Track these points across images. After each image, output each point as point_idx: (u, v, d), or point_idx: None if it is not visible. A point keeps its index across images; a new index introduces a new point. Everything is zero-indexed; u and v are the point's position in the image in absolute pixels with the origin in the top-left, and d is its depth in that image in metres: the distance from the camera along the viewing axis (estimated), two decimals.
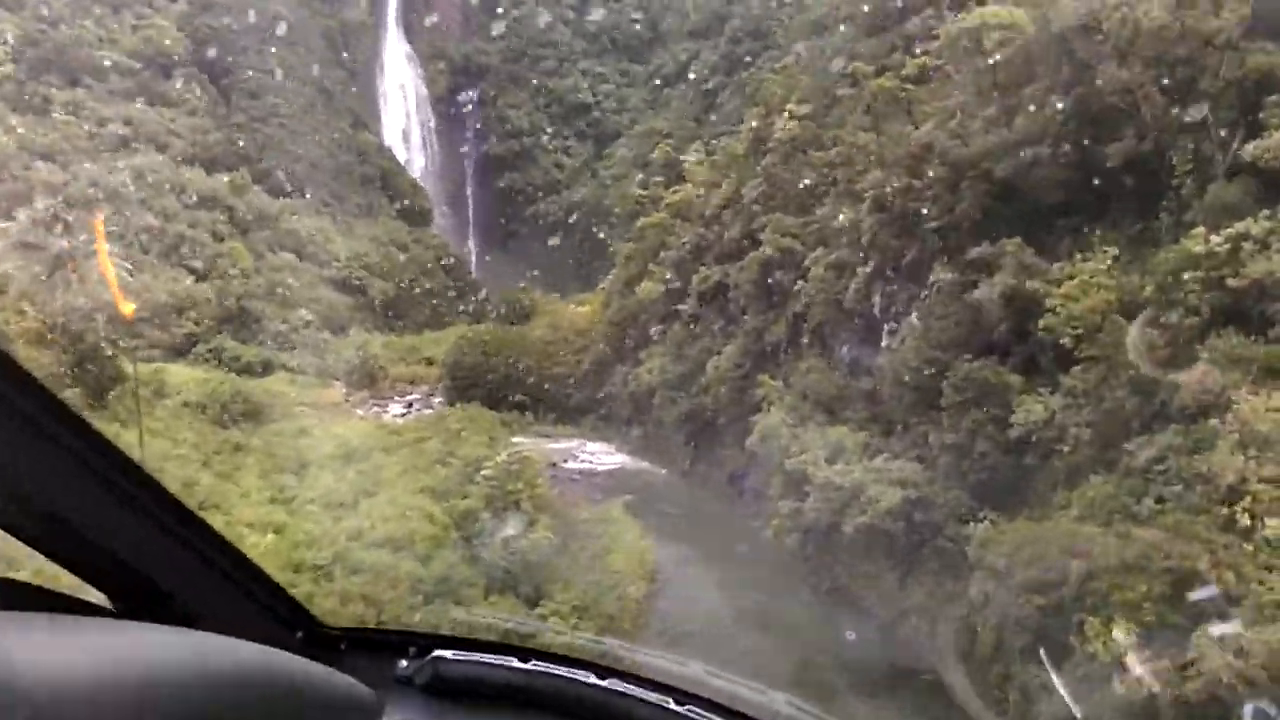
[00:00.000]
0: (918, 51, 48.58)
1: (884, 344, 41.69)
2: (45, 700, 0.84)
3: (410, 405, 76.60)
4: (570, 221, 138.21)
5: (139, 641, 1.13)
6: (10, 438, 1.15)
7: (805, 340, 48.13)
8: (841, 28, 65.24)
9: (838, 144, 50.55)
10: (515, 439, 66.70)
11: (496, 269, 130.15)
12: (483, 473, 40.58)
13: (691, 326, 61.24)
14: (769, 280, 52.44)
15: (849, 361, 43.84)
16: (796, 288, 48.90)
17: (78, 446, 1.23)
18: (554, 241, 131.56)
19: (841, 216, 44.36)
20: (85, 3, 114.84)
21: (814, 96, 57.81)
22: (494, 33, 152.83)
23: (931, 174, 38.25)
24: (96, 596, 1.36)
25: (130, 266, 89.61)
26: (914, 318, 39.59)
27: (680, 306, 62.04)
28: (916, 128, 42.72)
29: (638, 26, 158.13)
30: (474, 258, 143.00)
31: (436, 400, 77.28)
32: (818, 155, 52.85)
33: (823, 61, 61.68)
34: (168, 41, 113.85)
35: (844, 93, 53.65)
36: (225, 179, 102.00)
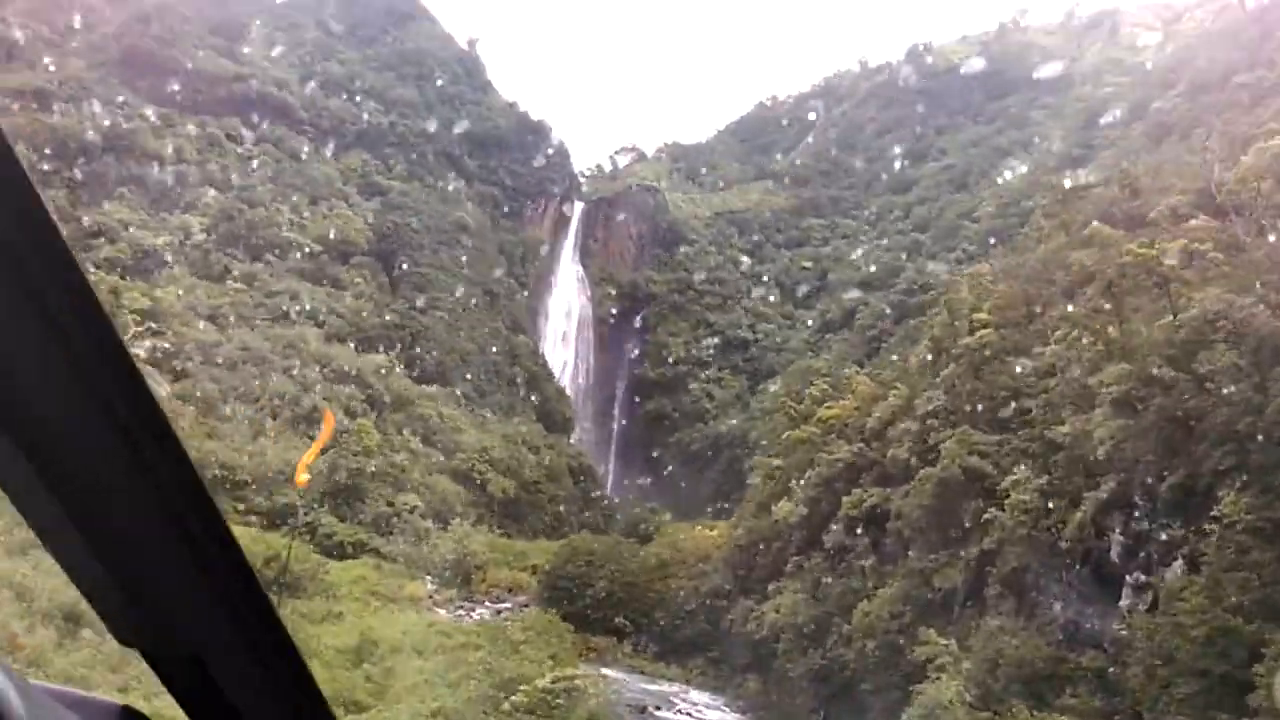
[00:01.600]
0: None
1: (1124, 602, 26.51)
2: None
3: (499, 613, 63.09)
4: (715, 452, 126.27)
5: None
6: (185, 567, 1.12)
7: (994, 589, 32.97)
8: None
9: (1049, 343, 36.92)
10: (604, 670, 51.95)
11: (632, 490, 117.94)
12: (512, 699, 26.57)
13: (836, 560, 46.46)
14: (946, 508, 37.89)
15: (1064, 624, 28.48)
16: (986, 517, 34.17)
17: (236, 590, 1.19)
18: (691, 467, 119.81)
19: (1067, 425, 30.05)
20: (286, 191, 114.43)
21: (1013, 303, 44.69)
22: (665, 264, 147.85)
23: (1218, 359, 24.28)
24: None
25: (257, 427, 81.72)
26: (1179, 567, 24.59)
27: (825, 535, 47.63)
28: (1175, 315, 28.98)
29: (806, 272, 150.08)
30: (611, 476, 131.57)
31: (529, 610, 63.62)
32: (1020, 363, 39.18)
33: (1018, 268, 48.84)
34: (353, 233, 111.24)
35: (1058, 284, 40.45)
36: (373, 359, 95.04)
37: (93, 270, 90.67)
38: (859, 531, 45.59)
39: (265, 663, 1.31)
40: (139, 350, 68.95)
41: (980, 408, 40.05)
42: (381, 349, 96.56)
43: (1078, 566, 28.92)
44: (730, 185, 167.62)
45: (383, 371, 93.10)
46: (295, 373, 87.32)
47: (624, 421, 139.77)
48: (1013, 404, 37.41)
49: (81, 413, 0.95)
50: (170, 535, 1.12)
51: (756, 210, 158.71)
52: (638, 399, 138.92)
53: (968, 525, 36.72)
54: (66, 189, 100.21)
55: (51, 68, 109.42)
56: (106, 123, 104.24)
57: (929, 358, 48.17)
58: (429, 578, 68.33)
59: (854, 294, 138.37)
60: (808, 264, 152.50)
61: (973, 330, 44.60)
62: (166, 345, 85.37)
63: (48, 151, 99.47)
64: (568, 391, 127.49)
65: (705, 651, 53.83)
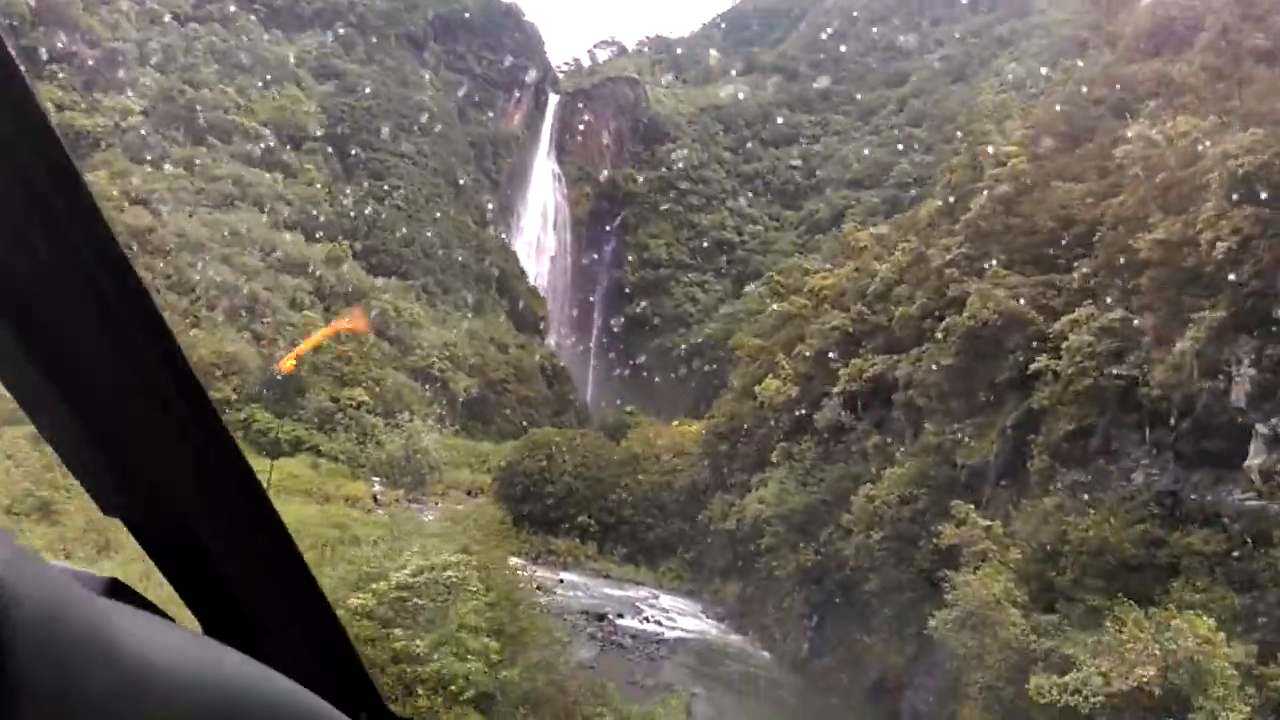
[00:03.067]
0: None
1: (1254, 461, 18.43)
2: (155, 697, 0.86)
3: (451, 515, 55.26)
4: (697, 357, 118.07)
5: (232, 665, 1.11)
6: (170, 438, 1.12)
7: (1041, 461, 24.76)
8: None
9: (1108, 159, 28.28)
10: (563, 574, 44.18)
11: (612, 396, 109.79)
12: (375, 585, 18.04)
13: (831, 442, 38.38)
14: (972, 368, 29.57)
15: (1156, 497, 20.38)
16: (1033, 369, 25.76)
17: (221, 464, 1.20)
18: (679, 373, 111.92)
19: (1160, 230, 21.27)
20: (233, 72, 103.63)
21: (1053, 126, 35.82)
22: (645, 162, 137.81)
23: None
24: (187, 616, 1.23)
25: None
26: None
27: (817, 415, 39.46)
28: None
29: (795, 173, 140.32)
30: (591, 385, 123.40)
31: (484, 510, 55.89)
32: (1071, 189, 30.46)
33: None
34: (304, 117, 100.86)
35: (1107, 103, 31.64)
36: (323, 248, 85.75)
37: None
38: (859, 408, 37.45)
39: (249, 531, 1.29)
40: None
41: (1016, 244, 31.47)
42: (334, 239, 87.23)
43: (1174, 419, 20.73)
44: (716, 79, 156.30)
45: (334, 261, 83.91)
46: (236, 261, 78.11)
47: (603, 326, 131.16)
48: (1064, 235, 28.85)
49: (65, 286, 0.96)
50: (154, 405, 1.11)
51: (743, 105, 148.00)
52: (618, 303, 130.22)
53: (1001, 385, 28.49)
54: None
55: None
56: None
57: (947, 201, 39.41)
58: (375, 479, 60.31)
59: (845, 192, 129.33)
60: (796, 162, 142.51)
61: (1001, 164, 35.91)
62: None
63: None
64: (546, 300, 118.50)
65: (679, 552, 46.10)
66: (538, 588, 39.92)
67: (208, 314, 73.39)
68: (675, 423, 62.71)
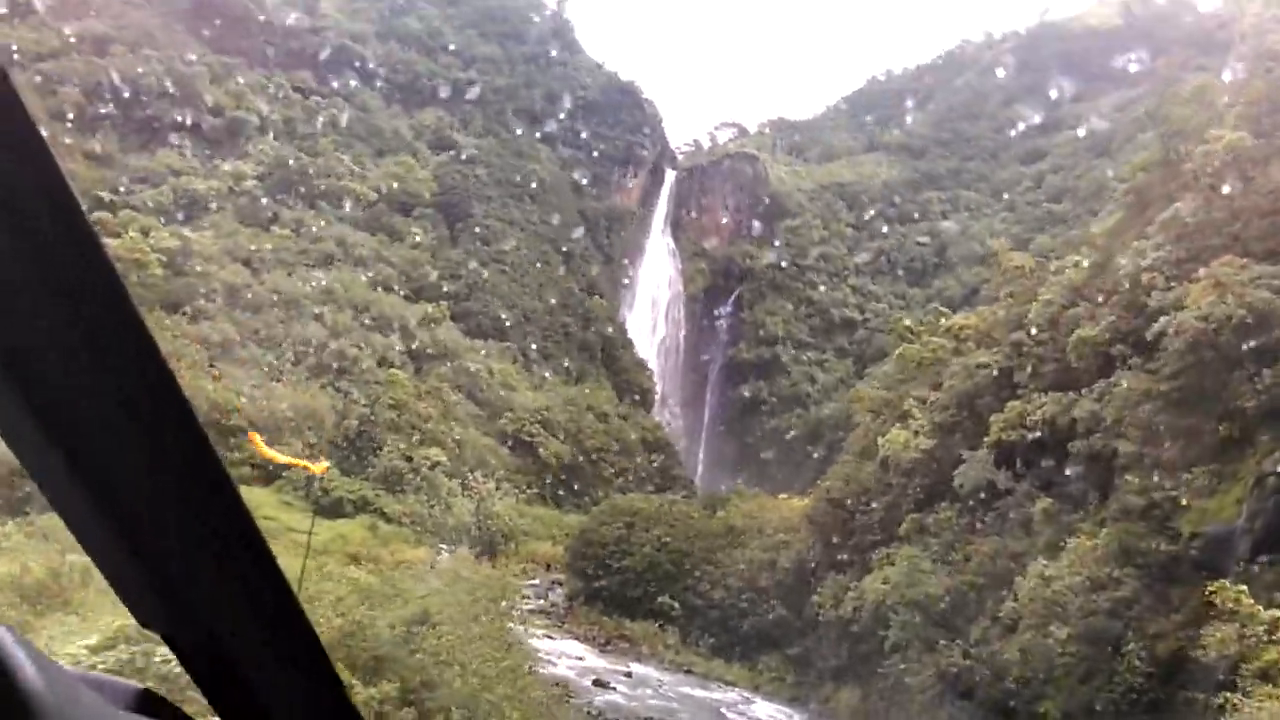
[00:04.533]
0: None
1: None
2: None
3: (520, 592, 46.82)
4: (814, 440, 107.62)
5: None
6: (205, 553, 1.14)
7: None
8: None
9: None
10: (633, 665, 34.91)
11: (722, 477, 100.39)
12: None
13: (980, 508, 28.56)
14: (1200, 392, 19.82)
15: None
16: None
17: (255, 576, 1.21)
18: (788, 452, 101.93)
19: None
20: (351, 142, 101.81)
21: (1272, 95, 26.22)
22: (764, 239, 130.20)
23: None
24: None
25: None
26: None
27: (959, 474, 29.72)
28: None
29: (922, 248, 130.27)
30: (700, 465, 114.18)
31: (555, 591, 47.11)
32: None
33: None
34: (416, 184, 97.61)
35: None
36: (420, 309, 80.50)
37: (131, 212, 79.23)
38: (1017, 464, 27.63)
39: (282, 645, 1.29)
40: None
41: (1252, 231, 21.81)
42: (434, 301, 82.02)
43: None
44: (838, 158, 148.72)
45: (429, 322, 78.33)
46: (328, 319, 73.30)
47: (716, 406, 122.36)
48: None
49: (111, 415, 0.96)
50: (189, 519, 1.12)
51: (867, 182, 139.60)
52: (732, 382, 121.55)
53: (1249, 414, 18.72)
54: (118, 134, 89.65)
55: (115, 12, 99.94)
56: (162, 69, 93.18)
57: (1130, 204, 29.79)
58: (442, 545, 52.52)
59: (977, 269, 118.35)
60: (924, 239, 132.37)
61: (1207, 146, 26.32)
62: (189, 284, 72.99)
63: (105, 96, 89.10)
64: (654, 372, 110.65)
65: (780, 646, 36.18)
66: (596, 682, 30.98)
67: (292, 369, 68.29)
68: (784, 496, 53.07)
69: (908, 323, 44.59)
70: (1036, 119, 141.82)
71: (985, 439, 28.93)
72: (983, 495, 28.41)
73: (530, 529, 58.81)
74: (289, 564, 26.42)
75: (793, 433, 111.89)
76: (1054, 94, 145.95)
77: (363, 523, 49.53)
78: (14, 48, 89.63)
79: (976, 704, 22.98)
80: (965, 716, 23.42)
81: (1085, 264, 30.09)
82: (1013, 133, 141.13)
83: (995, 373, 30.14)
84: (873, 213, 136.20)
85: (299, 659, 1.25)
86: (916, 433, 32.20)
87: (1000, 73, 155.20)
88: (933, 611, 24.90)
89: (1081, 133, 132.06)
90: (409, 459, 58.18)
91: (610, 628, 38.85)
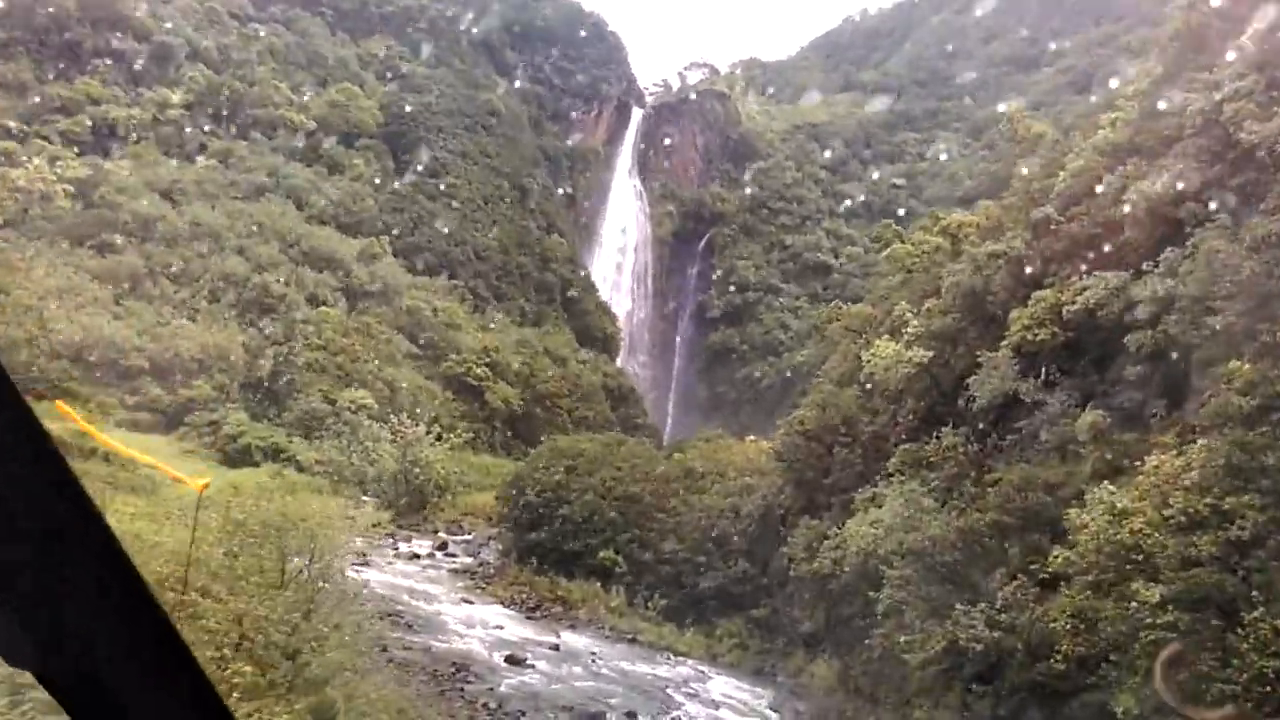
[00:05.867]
0: None
1: None
2: None
3: (443, 548, 39.62)
4: (788, 388, 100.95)
5: None
6: (77, 591, 1.11)
7: None
8: None
9: None
10: (565, 634, 27.99)
11: (692, 428, 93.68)
12: None
13: (996, 429, 21.73)
14: None
15: None
16: None
17: (126, 601, 1.17)
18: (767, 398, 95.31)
19: None
20: (290, 70, 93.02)
21: None
22: (734, 181, 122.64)
23: None
24: None
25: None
26: None
27: (965, 391, 22.84)
28: None
29: (898, 190, 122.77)
30: (670, 417, 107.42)
31: (490, 547, 40.07)
32: None
33: None
34: (360, 113, 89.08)
35: None
36: (357, 244, 72.67)
37: (41, 142, 70.68)
38: (1046, 371, 20.77)
39: (162, 679, 1.25)
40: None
41: None
42: (374, 234, 74.14)
43: None
44: (811, 99, 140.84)
45: (368, 257, 70.55)
46: (252, 253, 65.45)
47: (685, 354, 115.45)
48: None
49: None
50: (51, 550, 1.10)
51: (841, 122, 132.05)
52: (702, 329, 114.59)
53: None
54: (32, 60, 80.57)
55: None
56: None
57: (1174, 51, 22.69)
58: (366, 498, 45.34)
59: (956, 211, 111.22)
60: (900, 180, 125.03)
61: None
62: (98, 215, 64.90)
63: (19, 21, 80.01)
64: (618, 316, 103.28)
65: (743, 607, 29.34)
66: (510, 659, 24.00)
67: (209, 306, 60.57)
68: (750, 439, 46.23)
69: (896, 228, 37.57)
70: (1015, 54, 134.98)
71: (1002, 343, 21.99)
72: (1001, 413, 21.53)
73: (472, 479, 51.73)
74: (173, 531, 19.12)
75: (765, 381, 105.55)
76: (1029, 32, 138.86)
77: (268, 471, 42.21)
78: None
79: (1005, 689, 16.21)
80: (986, 707, 16.72)
81: (1123, 120, 23.11)
82: (990, 82, 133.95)
83: (1011, 263, 23.08)
84: (847, 153, 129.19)
85: (177, 683, 1.19)
86: (909, 344, 25.22)
87: (978, 10, 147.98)
88: (939, 563, 18.06)
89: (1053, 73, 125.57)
90: (331, 402, 50.88)
91: (543, 589, 31.89)
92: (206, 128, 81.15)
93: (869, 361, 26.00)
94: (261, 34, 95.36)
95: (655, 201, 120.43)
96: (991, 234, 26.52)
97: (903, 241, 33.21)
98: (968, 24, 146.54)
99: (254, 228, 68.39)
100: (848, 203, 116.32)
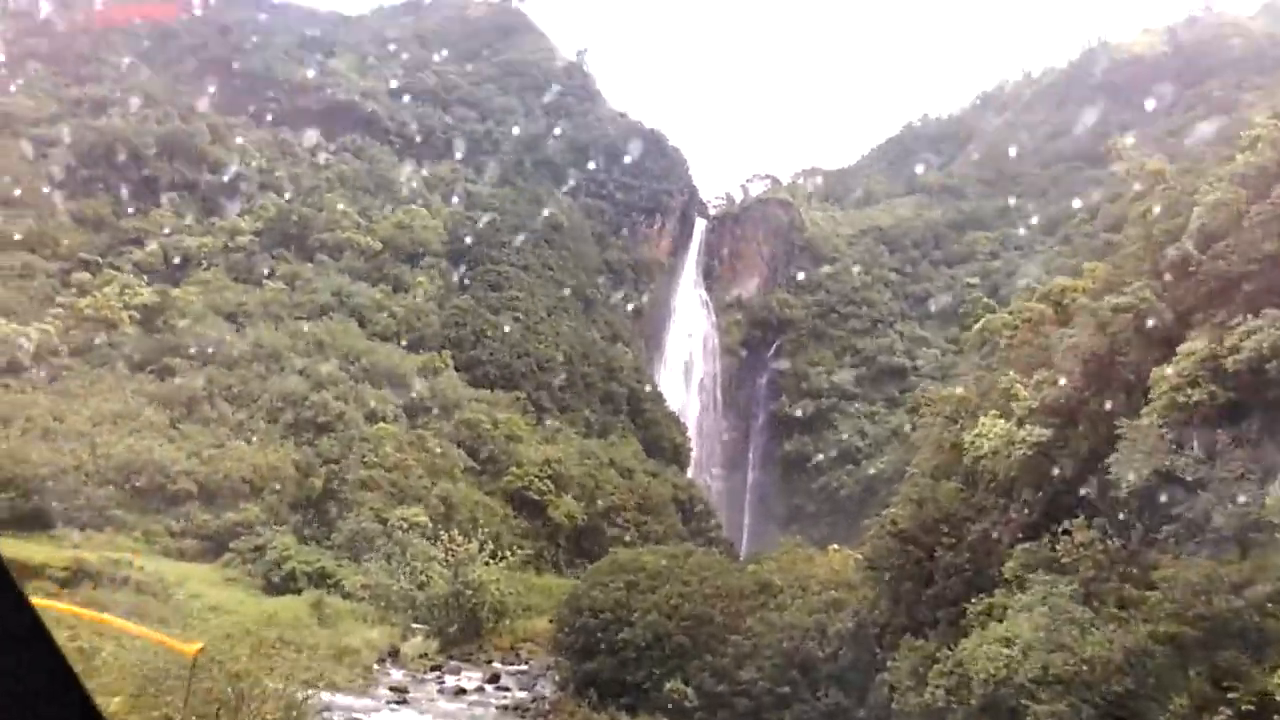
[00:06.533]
0: None
1: None
2: None
3: (494, 680, 35.05)
4: (868, 497, 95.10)
5: None
6: None
7: None
8: None
9: None
10: None
11: (769, 544, 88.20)
12: None
13: (1139, 520, 17.34)
14: None
15: None
16: None
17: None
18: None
19: None
20: (357, 194, 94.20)
21: None
22: (802, 287, 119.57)
23: None
24: None
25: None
26: None
27: (1094, 476, 18.50)
28: None
29: (973, 289, 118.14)
30: (746, 532, 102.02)
31: (548, 677, 35.42)
32: None
33: None
34: (425, 233, 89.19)
35: None
36: (420, 358, 70.90)
37: (113, 271, 71.43)
38: (1212, 438, 16.39)
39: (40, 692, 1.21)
40: None
41: None
42: (436, 349, 72.41)
43: None
44: (877, 203, 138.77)
45: (430, 372, 68.55)
46: (312, 371, 63.93)
47: (759, 465, 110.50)
48: None
49: None
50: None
51: (908, 225, 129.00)
52: (775, 439, 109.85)
53: None
54: (111, 196, 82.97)
55: (118, 75, 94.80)
56: (161, 130, 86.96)
57: None
58: (416, 625, 41.39)
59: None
60: (973, 280, 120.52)
61: None
62: (161, 340, 64.43)
63: (99, 159, 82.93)
64: (687, 427, 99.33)
65: None
66: None
67: (266, 427, 58.60)
68: (834, 547, 41.38)
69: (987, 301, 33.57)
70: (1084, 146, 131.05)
71: (1143, 412, 17.70)
72: (1149, 496, 17.05)
73: (533, 602, 47.45)
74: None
75: (844, 491, 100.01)
76: (1098, 127, 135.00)
77: (308, 599, 38.71)
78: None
79: None
80: None
81: (1266, 140, 19.22)
82: (1060, 179, 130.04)
83: (1141, 316, 18.94)
84: (917, 254, 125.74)
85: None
86: (1020, 422, 20.98)
87: (1041, 110, 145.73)
88: (1103, 694, 13.49)
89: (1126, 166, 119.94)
90: (383, 521, 47.56)
91: None
92: (275, 252, 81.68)
93: (972, 444, 21.74)
94: (330, 162, 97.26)
95: (722, 310, 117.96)
96: (1108, 291, 22.44)
97: (994, 313, 29.21)
98: (1031, 122, 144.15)
99: (315, 346, 67.18)
100: (927, 303, 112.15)
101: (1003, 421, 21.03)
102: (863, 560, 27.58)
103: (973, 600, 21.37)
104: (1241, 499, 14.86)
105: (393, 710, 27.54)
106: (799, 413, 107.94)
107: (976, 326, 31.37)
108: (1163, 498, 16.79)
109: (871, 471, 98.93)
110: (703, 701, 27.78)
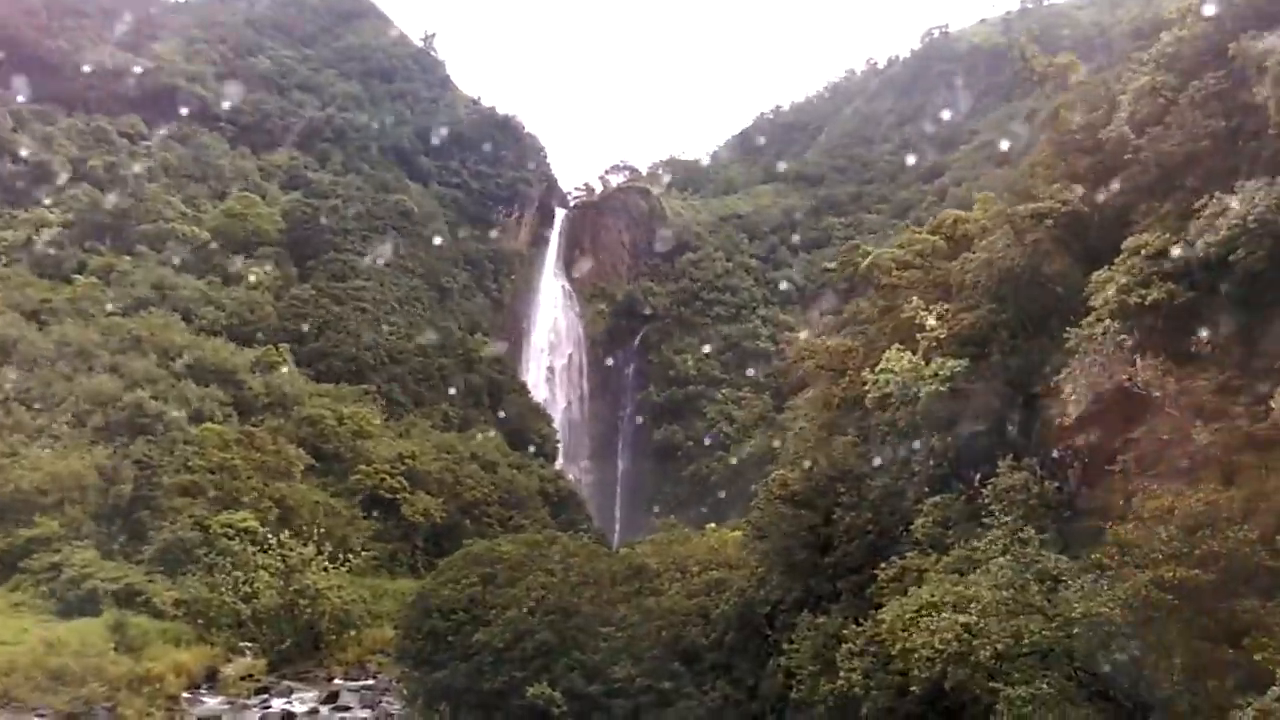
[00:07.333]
0: None
1: None
2: None
3: (332, 700, 29.86)
4: (739, 482, 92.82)
5: None
6: None
7: None
8: None
9: None
10: None
11: (643, 534, 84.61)
12: None
13: (1083, 460, 14.14)
14: None
15: None
16: None
17: None
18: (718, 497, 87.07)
19: None
20: (183, 183, 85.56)
21: None
22: (665, 275, 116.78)
23: None
24: None
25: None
26: None
27: (1024, 410, 15.29)
28: None
29: (830, 274, 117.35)
30: (619, 525, 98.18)
31: (395, 692, 30.46)
32: None
33: None
34: (259, 221, 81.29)
35: None
36: (254, 353, 63.94)
37: None
38: (1168, 346, 13.37)
39: None
40: None
41: None
42: (272, 343, 65.47)
43: None
44: (735, 191, 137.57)
45: (266, 367, 61.76)
46: (127, 369, 56.33)
47: (629, 455, 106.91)
48: None
49: None
50: None
51: (766, 212, 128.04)
52: (644, 429, 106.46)
53: None
54: None
55: None
56: None
57: None
58: (245, 644, 35.59)
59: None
60: (830, 265, 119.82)
61: None
62: None
63: None
64: (553, 418, 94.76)
65: None
66: None
67: (70, 431, 50.87)
68: (710, 526, 37.91)
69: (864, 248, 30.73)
70: (932, 131, 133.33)
71: (1081, 327, 14.57)
72: (1100, 422, 13.93)
73: (385, 609, 42.05)
74: None
75: (714, 477, 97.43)
76: (946, 113, 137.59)
77: (106, 621, 32.39)
78: None
79: None
80: None
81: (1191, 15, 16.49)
82: (910, 163, 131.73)
83: (1071, 219, 15.85)
84: (775, 240, 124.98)
85: None
86: (927, 357, 17.71)
87: (889, 98, 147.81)
88: (1107, 660, 9.98)
89: (971, 149, 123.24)
90: (204, 528, 41.20)
91: None
92: (87, 245, 72.83)
93: (874, 385, 18.32)
94: (152, 150, 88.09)
95: (586, 301, 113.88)
96: (1021, 203, 19.39)
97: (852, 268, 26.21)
98: (879, 110, 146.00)
99: (131, 342, 59.40)
100: (784, 285, 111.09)
101: (910, 355, 17.69)
102: (750, 531, 23.91)
103: (881, 566, 17.93)
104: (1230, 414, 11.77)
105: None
106: (666, 400, 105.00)
107: (865, 262, 28.28)
108: (1114, 421, 13.60)
109: (741, 456, 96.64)
110: (572, 706, 23.53)
